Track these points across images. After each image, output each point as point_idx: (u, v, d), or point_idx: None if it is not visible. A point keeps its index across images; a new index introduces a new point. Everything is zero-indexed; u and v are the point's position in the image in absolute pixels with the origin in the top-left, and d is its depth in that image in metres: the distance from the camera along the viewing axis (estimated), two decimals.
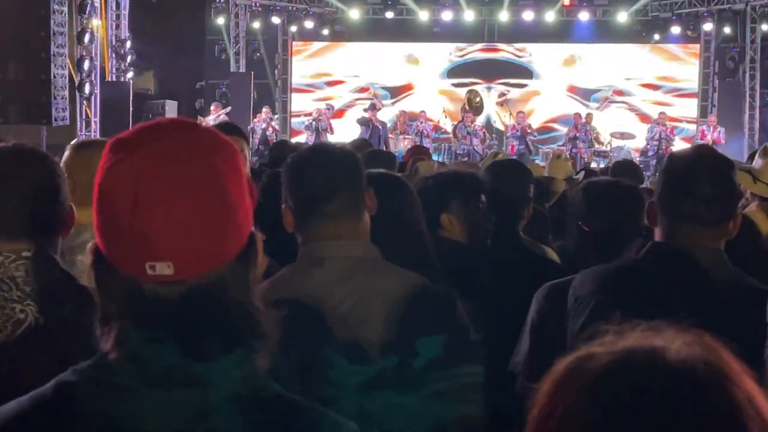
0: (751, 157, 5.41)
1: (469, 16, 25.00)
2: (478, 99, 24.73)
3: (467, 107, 24.12)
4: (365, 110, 21.16)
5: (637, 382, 0.92)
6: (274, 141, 22.09)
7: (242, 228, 1.49)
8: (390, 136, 21.97)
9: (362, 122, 20.76)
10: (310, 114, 23.25)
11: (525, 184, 3.85)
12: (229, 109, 22.12)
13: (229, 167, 1.47)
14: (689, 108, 25.27)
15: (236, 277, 1.48)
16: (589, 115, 22.38)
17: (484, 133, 21.70)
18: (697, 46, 25.49)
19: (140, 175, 1.39)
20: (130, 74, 20.98)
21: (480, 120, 23.32)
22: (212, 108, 21.87)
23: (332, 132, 21.84)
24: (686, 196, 2.55)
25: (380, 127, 20.86)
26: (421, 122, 22.28)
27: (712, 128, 21.15)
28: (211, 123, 21.03)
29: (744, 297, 2.47)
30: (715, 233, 2.56)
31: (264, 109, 22.78)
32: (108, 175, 1.42)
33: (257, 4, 25.51)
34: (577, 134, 21.49)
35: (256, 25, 25.75)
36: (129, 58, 20.91)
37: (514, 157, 6.11)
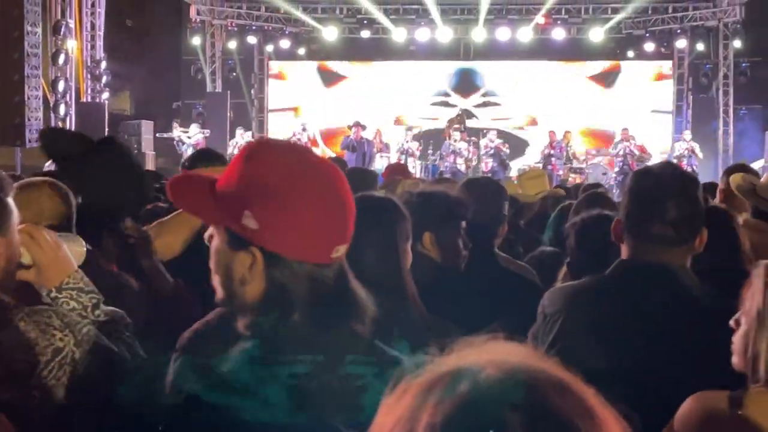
0: (727, 173, 5.44)
1: (444, 35, 25.09)
2: (470, 118, 24.80)
3: (459, 126, 24.17)
4: (350, 127, 21.10)
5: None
6: None
7: None
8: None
9: (345, 146, 20.71)
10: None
11: (499, 203, 3.86)
12: (207, 132, 22.09)
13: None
14: (665, 124, 25.42)
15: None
16: (567, 134, 22.43)
17: (469, 151, 21.73)
18: (671, 62, 25.67)
19: (341, 184, 1.74)
20: (105, 95, 20.91)
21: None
22: (191, 128, 21.90)
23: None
24: (653, 218, 2.57)
25: (365, 145, 20.82)
26: (408, 141, 22.23)
27: (687, 141, 21.33)
28: (188, 140, 21.09)
29: (714, 311, 2.49)
30: (682, 252, 2.59)
31: (238, 132, 22.83)
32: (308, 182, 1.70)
33: (233, 24, 25.53)
34: (552, 151, 21.58)
35: (232, 44, 25.76)
36: (104, 79, 20.85)
37: (489, 176, 6.08)
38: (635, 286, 2.57)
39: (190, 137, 21.34)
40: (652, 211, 2.58)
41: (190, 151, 21.13)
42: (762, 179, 4.50)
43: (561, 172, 21.40)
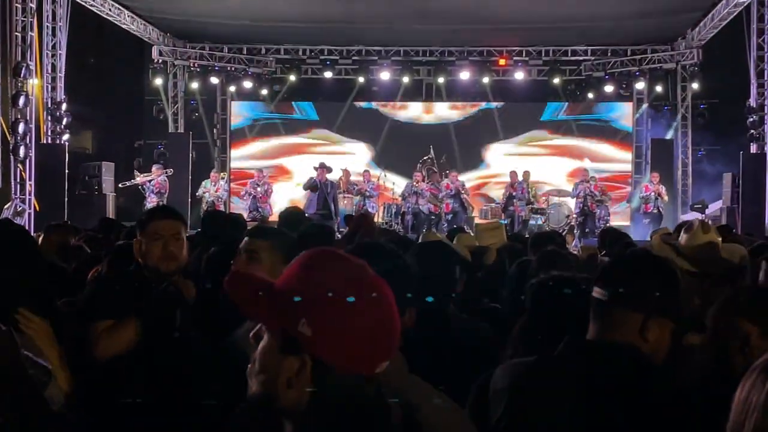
0: (678, 230, 5.51)
1: (406, 76, 25.28)
2: (442, 158, 24.87)
3: (432, 167, 24.32)
4: (315, 168, 21.11)
5: None
6: (219, 203, 22.29)
7: None
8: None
9: (308, 186, 20.68)
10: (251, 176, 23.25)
11: (451, 267, 3.86)
12: (171, 171, 22.02)
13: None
14: (625, 165, 25.67)
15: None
16: (526, 173, 22.61)
17: (430, 193, 21.81)
18: (630, 104, 25.97)
19: (390, 304, 1.79)
20: (66, 136, 20.76)
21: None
22: (153, 169, 21.81)
23: (269, 197, 22.00)
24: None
25: (328, 186, 20.84)
26: (365, 181, 22.30)
27: (655, 183, 21.54)
28: (149, 181, 20.99)
29: (663, 396, 2.50)
30: (633, 326, 2.59)
31: (213, 174, 23.00)
32: (368, 308, 1.75)
33: (195, 65, 25.53)
34: (514, 193, 21.71)
35: (195, 85, 25.76)
36: (65, 120, 20.70)
37: (441, 238, 6.08)
38: (585, 366, 2.57)
39: (151, 180, 21.24)
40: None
41: (152, 196, 21.06)
42: (681, 239, 4.55)
43: (523, 214, 21.54)
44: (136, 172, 22.04)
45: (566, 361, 2.62)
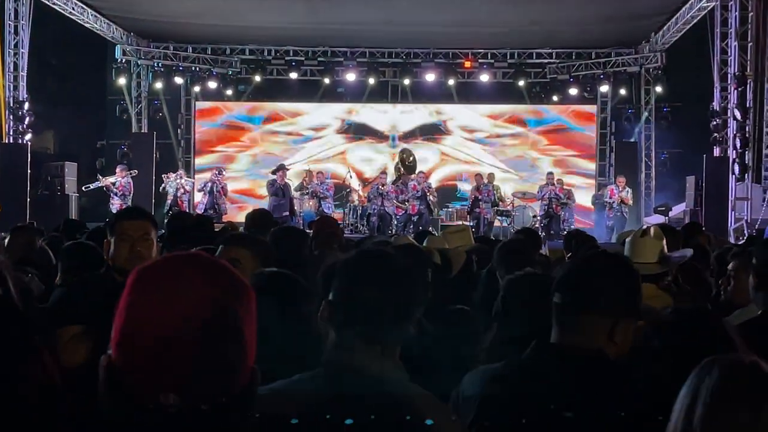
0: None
1: (372, 77, 25.28)
2: (411, 158, 24.84)
3: (401, 167, 24.32)
4: (273, 172, 21.03)
5: None
6: (183, 202, 22.04)
7: (249, 365, 1.61)
8: (295, 195, 21.87)
9: (273, 192, 20.57)
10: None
11: (423, 272, 3.83)
12: (135, 172, 21.79)
13: (247, 312, 1.60)
14: (589, 168, 25.83)
15: (236, 407, 1.58)
16: (490, 175, 22.65)
17: (396, 195, 21.75)
18: (594, 107, 26.12)
19: (168, 316, 1.50)
20: (28, 136, 20.52)
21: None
22: (117, 170, 21.55)
23: (225, 194, 21.81)
24: (584, 303, 2.61)
25: (289, 189, 20.81)
26: (318, 183, 22.09)
27: (621, 188, 21.56)
28: (113, 183, 20.75)
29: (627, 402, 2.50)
30: (600, 330, 2.59)
31: (180, 172, 22.80)
32: (134, 312, 1.53)
33: (159, 65, 25.34)
34: (479, 195, 21.71)
35: (159, 85, 25.56)
36: (27, 120, 20.46)
37: (412, 242, 6.06)
38: (551, 373, 2.58)
39: (115, 183, 20.98)
40: (584, 296, 2.61)
41: (116, 199, 20.78)
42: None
43: (489, 216, 21.57)
44: (99, 176, 21.76)
45: (535, 366, 2.62)
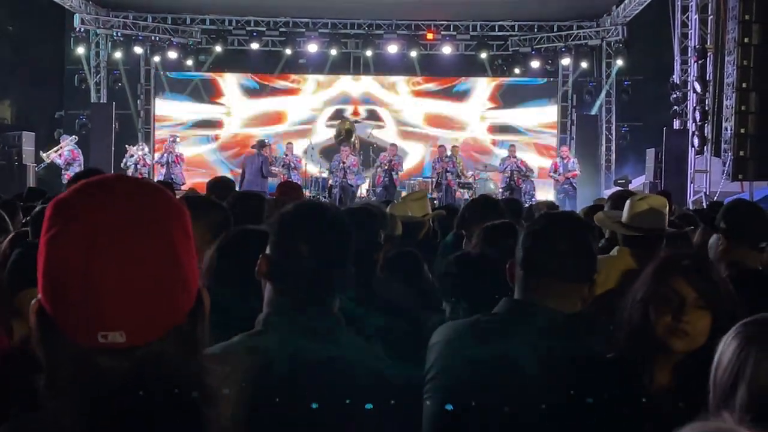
0: (611, 200, 5.61)
1: (334, 48, 25.17)
2: (347, 125, 24.55)
3: (338, 136, 24.11)
4: (259, 148, 20.94)
5: None
6: (143, 175, 21.80)
7: (192, 290, 1.46)
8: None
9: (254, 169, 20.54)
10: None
11: (374, 229, 3.82)
12: (75, 138, 21.57)
13: (181, 232, 1.43)
14: (549, 140, 25.94)
15: (185, 338, 1.44)
16: (454, 148, 22.63)
17: (358, 168, 21.67)
18: (556, 79, 26.19)
19: (92, 244, 1.34)
20: None
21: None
22: (62, 141, 21.33)
23: (180, 162, 21.69)
24: (542, 251, 2.64)
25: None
26: (287, 155, 22.13)
27: (565, 160, 21.62)
28: (54, 157, 20.50)
29: (578, 364, 2.52)
30: (569, 291, 2.61)
31: (140, 144, 22.58)
32: (56, 241, 1.36)
33: (119, 34, 25.02)
34: (446, 167, 21.63)
35: (118, 54, 25.26)
36: None
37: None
38: (513, 328, 2.61)
39: (60, 154, 20.75)
40: (540, 244, 2.65)
41: (67, 167, 20.52)
42: (625, 210, 4.66)
43: (455, 186, 21.53)
44: (41, 153, 21.36)
45: (505, 322, 2.64)
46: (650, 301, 2.60)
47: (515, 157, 21.71)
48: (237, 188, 10.69)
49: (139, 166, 21.80)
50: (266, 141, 21.60)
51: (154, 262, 1.37)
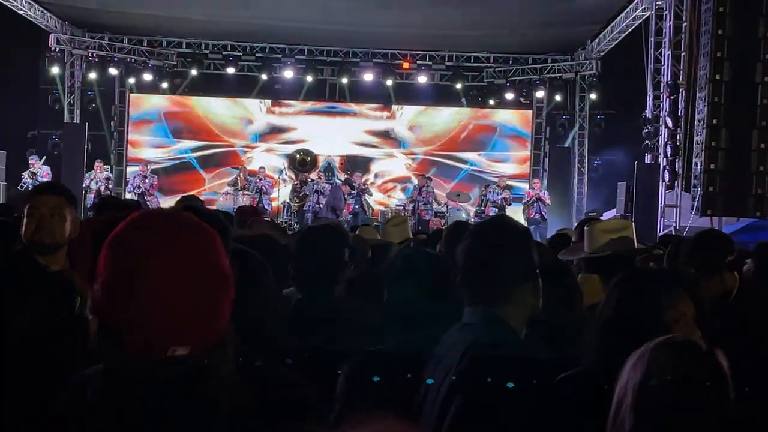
0: (580, 225, 5.64)
1: (310, 75, 25.22)
2: (309, 158, 24.46)
3: (298, 167, 23.99)
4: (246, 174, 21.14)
5: None
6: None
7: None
8: (229, 191, 21.87)
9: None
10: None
11: (340, 249, 3.83)
12: (43, 158, 21.51)
13: (223, 254, 1.64)
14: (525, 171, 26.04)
15: (225, 349, 1.64)
16: (427, 179, 22.66)
17: (330, 191, 21.64)
18: (530, 112, 26.33)
19: (162, 278, 1.54)
20: None
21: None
22: (30, 161, 21.20)
23: (154, 192, 21.70)
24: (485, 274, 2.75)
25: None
26: (260, 179, 22.14)
27: (536, 189, 21.90)
28: (33, 173, 20.38)
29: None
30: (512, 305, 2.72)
31: (96, 164, 22.18)
32: (128, 274, 1.54)
33: (94, 55, 24.95)
34: (419, 197, 21.65)
35: (93, 75, 25.19)
36: None
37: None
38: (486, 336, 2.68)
39: (36, 174, 20.65)
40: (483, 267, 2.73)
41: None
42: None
43: (427, 217, 21.52)
44: (24, 175, 21.21)
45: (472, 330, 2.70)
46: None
47: (508, 188, 21.99)
48: None
49: (102, 187, 21.45)
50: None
51: (211, 284, 1.59)
